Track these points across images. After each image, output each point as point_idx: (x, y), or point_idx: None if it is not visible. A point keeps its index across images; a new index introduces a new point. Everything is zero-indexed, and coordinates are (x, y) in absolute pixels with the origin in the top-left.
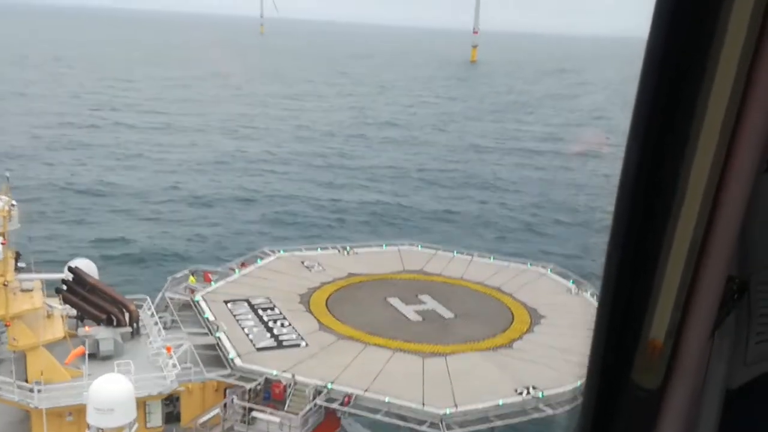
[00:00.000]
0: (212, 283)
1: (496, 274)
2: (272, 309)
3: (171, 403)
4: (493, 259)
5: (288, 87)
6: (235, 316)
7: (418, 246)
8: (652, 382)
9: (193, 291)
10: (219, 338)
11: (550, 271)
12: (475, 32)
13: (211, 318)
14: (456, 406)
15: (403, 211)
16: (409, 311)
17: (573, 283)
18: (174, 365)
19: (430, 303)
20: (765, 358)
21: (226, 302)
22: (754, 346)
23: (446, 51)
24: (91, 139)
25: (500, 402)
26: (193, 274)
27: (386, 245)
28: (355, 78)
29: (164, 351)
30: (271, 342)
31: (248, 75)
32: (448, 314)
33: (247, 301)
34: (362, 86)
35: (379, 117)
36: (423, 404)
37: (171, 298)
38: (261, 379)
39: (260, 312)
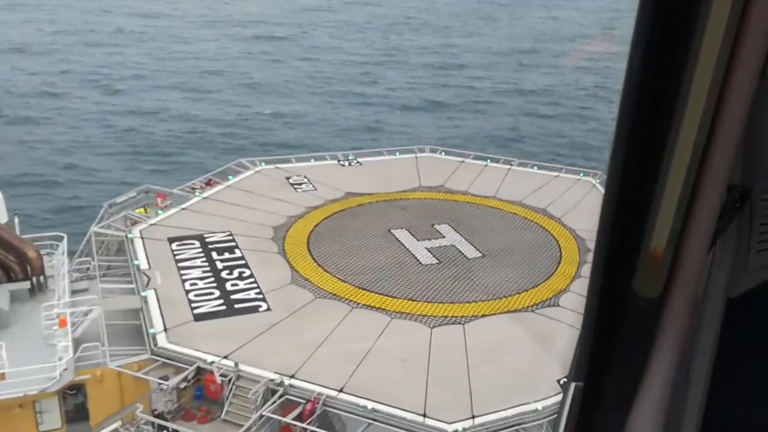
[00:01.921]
0: (159, 211)
1: (540, 189)
2: (232, 251)
3: (77, 393)
4: (537, 168)
5: None
6: (177, 262)
7: (440, 152)
8: (652, 291)
9: (135, 224)
10: (145, 299)
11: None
12: None
13: (144, 266)
14: (473, 417)
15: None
16: (420, 250)
17: None
18: (66, 346)
19: (449, 236)
20: (765, 267)
21: (170, 240)
22: (755, 254)
23: None
24: None
25: (538, 407)
26: (145, 207)
27: (400, 153)
28: None
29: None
30: (218, 305)
31: None
32: (472, 253)
33: (200, 238)
34: None
35: None
36: (424, 414)
37: (101, 236)
38: (191, 369)
39: (214, 256)
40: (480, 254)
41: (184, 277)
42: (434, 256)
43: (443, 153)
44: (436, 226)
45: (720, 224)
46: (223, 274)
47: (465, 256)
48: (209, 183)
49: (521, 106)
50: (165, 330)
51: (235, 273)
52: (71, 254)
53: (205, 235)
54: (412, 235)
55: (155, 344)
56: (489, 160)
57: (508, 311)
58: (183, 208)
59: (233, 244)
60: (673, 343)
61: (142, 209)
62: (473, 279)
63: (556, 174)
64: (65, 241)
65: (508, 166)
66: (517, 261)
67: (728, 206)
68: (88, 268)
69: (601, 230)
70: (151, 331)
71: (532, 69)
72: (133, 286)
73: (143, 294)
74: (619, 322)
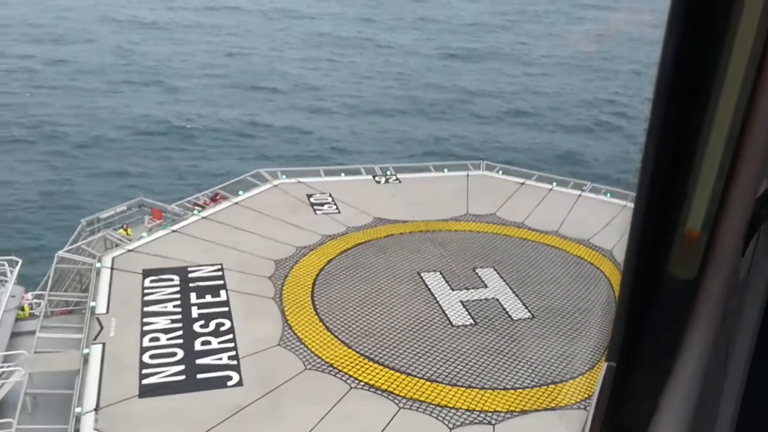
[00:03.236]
0: (144, 233)
1: (615, 218)
2: (216, 292)
3: None
4: (610, 195)
5: None
6: (144, 305)
7: (497, 170)
8: (687, 273)
9: (114, 247)
10: (86, 359)
11: None
12: None
13: (101, 309)
14: None
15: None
16: (454, 303)
17: None
18: None
19: (493, 285)
20: None
21: (145, 274)
22: None
23: None
24: None
25: None
26: (126, 227)
27: (449, 169)
28: None
29: None
30: (177, 373)
31: None
32: (519, 311)
33: (182, 272)
34: None
35: None
36: None
37: (69, 263)
38: None
39: (192, 298)
40: (529, 314)
41: (146, 328)
42: (470, 313)
43: (501, 171)
44: (477, 270)
45: (765, 209)
46: (196, 326)
47: (510, 315)
48: (215, 198)
49: (595, 117)
50: (96, 409)
51: (212, 325)
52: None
53: (189, 269)
54: (447, 281)
55: (77, 431)
56: (555, 183)
57: (559, 407)
58: (173, 230)
59: (220, 282)
60: (708, 327)
61: (123, 230)
62: (516, 352)
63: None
64: (15, 268)
65: (579, 192)
66: (578, 328)
67: None
68: (38, 305)
69: (636, 210)
70: (77, 410)
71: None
72: (80, 336)
73: (86, 351)
74: (653, 304)
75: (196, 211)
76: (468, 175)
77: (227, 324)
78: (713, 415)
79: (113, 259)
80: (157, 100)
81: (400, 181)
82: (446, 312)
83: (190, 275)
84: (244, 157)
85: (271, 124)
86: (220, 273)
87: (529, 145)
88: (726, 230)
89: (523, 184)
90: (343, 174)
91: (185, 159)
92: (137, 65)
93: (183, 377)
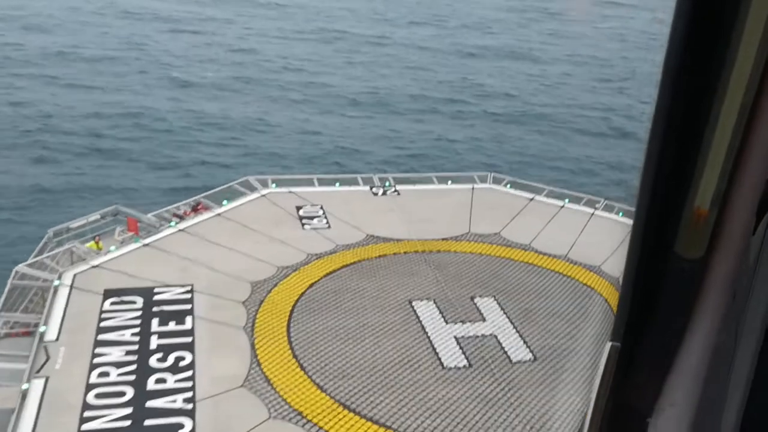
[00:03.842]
0: (112, 247)
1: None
2: (182, 318)
3: None
4: (622, 215)
5: None
6: (99, 332)
7: (505, 183)
8: (695, 253)
9: (80, 262)
10: (24, 396)
11: None
12: None
13: (51, 336)
14: None
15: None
16: (447, 339)
17: None
18: None
19: (492, 319)
20: None
21: (107, 294)
22: None
23: None
24: None
25: None
26: (97, 239)
27: (453, 181)
28: None
29: None
30: (122, 417)
31: None
32: (520, 352)
33: (147, 293)
34: None
35: None
36: None
37: (29, 280)
38: None
39: (154, 325)
40: (531, 356)
41: (97, 360)
42: (464, 352)
43: (509, 185)
44: (476, 300)
45: None
46: (153, 360)
47: (509, 357)
48: (196, 208)
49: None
50: None
51: (170, 359)
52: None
53: (155, 290)
54: (441, 312)
55: None
56: (567, 200)
57: None
58: (145, 244)
59: (187, 307)
60: (717, 307)
61: (93, 242)
62: (513, 404)
63: None
64: None
65: (592, 210)
66: (587, 375)
67: None
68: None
69: (643, 187)
70: None
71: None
72: (25, 366)
73: (25, 386)
74: (659, 283)
75: (173, 223)
76: (473, 189)
77: (188, 358)
78: (722, 396)
79: (74, 276)
80: (163, 95)
81: (399, 194)
82: (437, 350)
83: (156, 297)
84: (246, 156)
85: (279, 122)
86: (189, 296)
87: (540, 150)
88: (736, 208)
89: (532, 199)
90: (338, 184)
91: (185, 159)
92: (145, 58)
93: (128, 422)
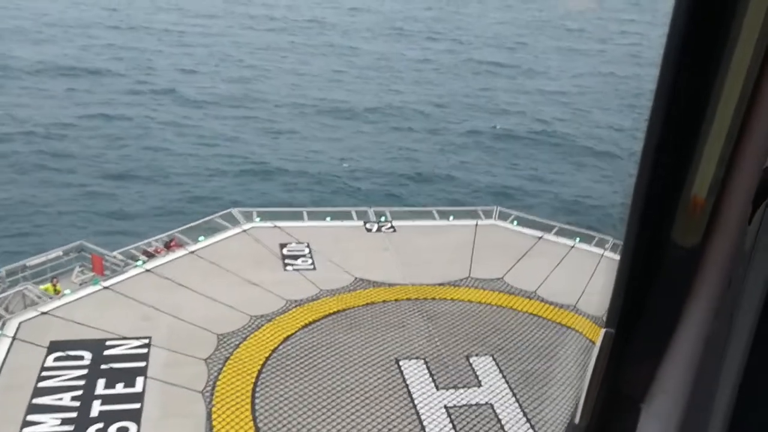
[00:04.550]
0: (67, 291)
1: None
2: (131, 379)
3: None
4: None
5: None
6: (35, 395)
7: (511, 220)
8: (691, 240)
9: (31, 306)
10: None
11: None
12: None
13: None
14: None
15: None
16: (436, 409)
17: None
18: None
19: (489, 383)
20: None
21: (52, 347)
22: None
23: None
24: None
25: None
26: (54, 282)
27: (455, 216)
28: None
29: None
30: None
31: None
32: (519, 426)
33: (98, 347)
34: None
35: None
36: None
37: None
38: None
39: (99, 387)
40: None
41: (26, 430)
42: (454, 425)
43: (515, 222)
44: (472, 360)
45: None
46: None
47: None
48: (169, 245)
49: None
50: None
51: (112, 430)
52: None
53: (108, 343)
54: (431, 374)
55: None
56: (579, 239)
57: None
58: (105, 287)
59: (141, 365)
60: (711, 295)
61: (50, 285)
62: None
63: None
64: None
65: (601, 251)
66: None
67: None
68: None
69: (640, 174)
70: None
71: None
72: None
73: None
74: (655, 270)
75: (139, 262)
76: (477, 225)
77: (131, 430)
78: (714, 382)
79: (19, 324)
80: (167, 111)
81: (395, 230)
82: (424, 423)
83: (107, 352)
84: (243, 178)
85: (282, 141)
86: (144, 350)
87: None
88: (733, 197)
89: (540, 238)
90: (329, 218)
91: (168, 187)
92: (148, 73)
93: None
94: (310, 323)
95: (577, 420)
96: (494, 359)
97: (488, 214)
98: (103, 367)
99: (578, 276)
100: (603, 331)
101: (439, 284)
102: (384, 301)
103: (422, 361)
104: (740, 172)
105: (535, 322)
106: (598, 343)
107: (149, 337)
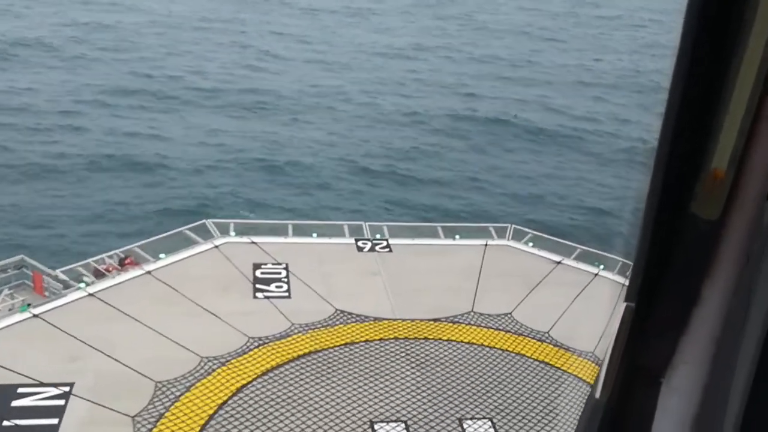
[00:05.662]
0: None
1: None
2: None
3: None
4: None
5: None
6: None
7: (526, 240)
8: (711, 214)
9: None
10: None
11: None
12: None
13: None
14: None
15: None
16: None
17: None
18: None
19: None
20: None
21: None
22: None
23: None
24: None
25: None
26: None
27: (462, 235)
28: None
29: None
30: None
31: None
32: None
33: (5, 396)
34: None
35: None
36: None
37: None
38: None
39: None
40: None
41: None
42: None
43: (531, 243)
44: (465, 425)
45: None
46: None
47: None
48: (123, 262)
49: None
50: None
51: None
52: None
53: (19, 390)
54: None
55: None
56: (602, 266)
57: None
58: (35, 315)
59: (53, 421)
60: (730, 269)
61: None
62: None
63: None
64: None
65: (624, 280)
66: None
67: None
68: None
69: (660, 147)
70: None
71: None
72: None
73: None
74: (674, 244)
75: (82, 285)
76: (486, 246)
77: None
78: (734, 355)
79: None
80: (163, 118)
81: (390, 250)
82: None
83: (15, 403)
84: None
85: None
86: (62, 402)
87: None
88: (753, 170)
89: (559, 263)
90: (314, 234)
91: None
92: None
93: None
94: (273, 368)
95: (597, 394)
96: (493, 425)
97: (501, 233)
98: (6, 423)
99: (599, 313)
100: (623, 305)
101: (435, 320)
102: (366, 341)
103: (403, 425)
104: (762, 145)
105: (545, 373)
106: (619, 318)
107: (71, 384)
